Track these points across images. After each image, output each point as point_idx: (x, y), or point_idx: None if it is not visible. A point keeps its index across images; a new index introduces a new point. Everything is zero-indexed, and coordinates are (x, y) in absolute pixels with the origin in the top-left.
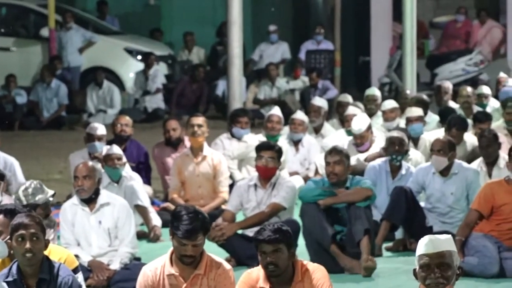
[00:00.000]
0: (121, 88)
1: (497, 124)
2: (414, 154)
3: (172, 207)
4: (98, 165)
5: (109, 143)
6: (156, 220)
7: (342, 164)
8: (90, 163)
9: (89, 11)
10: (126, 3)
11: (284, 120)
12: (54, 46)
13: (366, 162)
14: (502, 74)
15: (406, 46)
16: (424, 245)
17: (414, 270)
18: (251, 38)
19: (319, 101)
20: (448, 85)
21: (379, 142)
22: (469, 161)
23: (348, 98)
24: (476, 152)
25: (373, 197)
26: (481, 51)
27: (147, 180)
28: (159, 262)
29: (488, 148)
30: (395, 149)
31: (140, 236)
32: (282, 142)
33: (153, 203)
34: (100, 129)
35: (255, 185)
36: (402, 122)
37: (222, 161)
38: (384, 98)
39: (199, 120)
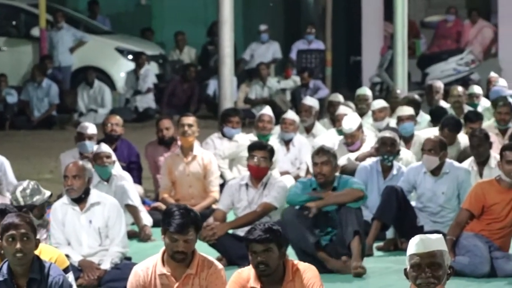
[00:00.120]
0: (112, 88)
1: (488, 124)
2: (405, 153)
3: (163, 206)
4: (89, 165)
5: (100, 142)
6: (147, 220)
7: (329, 165)
8: (80, 162)
9: (80, 10)
10: (117, 2)
11: (275, 119)
12: (45, 45)
13: (357, 161)
14: (492, 74)
15: (397, 46)
16: (415, 244)
17: (405, 269)
18: (242, 38)
19: (310, 101)
20: (439, 85)
21: (369, 141)
22: (460, 160)
23: (339, 97)
24: (467, 151)
25: (365, 198)
26: (472, 51)
27: (138, 180)
28: (150, 261)
29: (479, 148)
30: (387, 149)
31: (131, 235)
32: (273, 141)
33: (144, 202)
34: (91, 128)
35: (247, 185)
36: (392, 122)
37: (213, 161)
38: (375, 97)
39: (190, 119)
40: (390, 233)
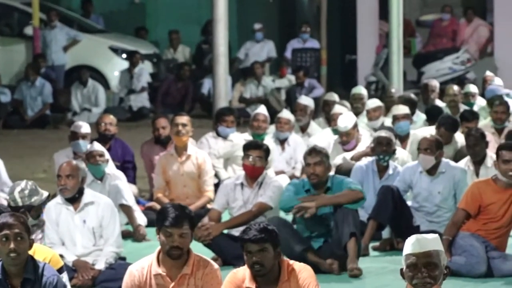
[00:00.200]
0: (106, 87)
1: (484, 123)
2: (401, 153)
3: (157, 206)
4: (82, 164)
5: (93, 141)
6: (141, 220)
7: (322, 165)
8: (74, 162)
9: (74, 9)
10: (111, 1)
11: (270, 118)
12: (38, 44)
13: (352, 161)
14: (488, 73)
15: (392, 45)
16: (411, 244)
17: (401, 269)
18: (236, 37)
19: (305, 100)
20: (435, 84)
21: (365, 141)
22: (457, 160)
23: (335, 96)
24: (463, 151)
25: (364, 200)
26: (468, 50)
27: (132, 179)
28: (145, 261)
29: (475, 147)
30: (383, 149)
31: (125, 235)
32: (268, 141)
33: (138, 202)
34: (84, 127)
35: (242, 184)
36: (387, 121)
37: (207, 160)
38: (370, 96)
39: (183, 119)
40: (386, 233)
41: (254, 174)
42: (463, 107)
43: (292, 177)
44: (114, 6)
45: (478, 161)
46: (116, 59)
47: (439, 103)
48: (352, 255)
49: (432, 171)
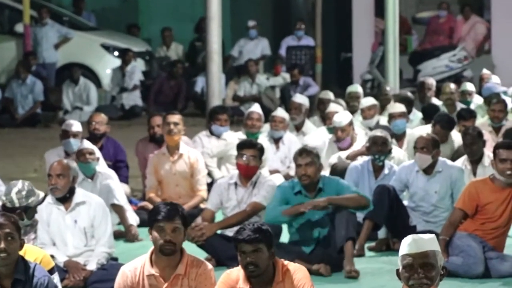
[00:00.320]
0: (98, 85)
1: (482, 122)
2: (397, 152)
3: (150, 206)
4: (73, 163)
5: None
6: (133, 219)
7: (313, 165)
8: (65, 161)
9: (65, 6)
10: None
11: (264, 117)
12: (29, 42)
13: (347, 160)
14: (485, 71)
15: (388, 42)
16: (407, 244)
17: (397, 270)
18: (230, 34)
19: (300, 98)
20: (431, 82)
21: (360, 140)
22: (454, 159)
23: (330, 95)
24: (461, 150)
25: (369, 208)
26: (465, 47)
27: (124, 179)
28: (138, 262)
29: (473, 146)
30: (378, 149)
31: (117, 235)
32: (263, 139)
33: (130, 202)
34: (76, 126)
35: (236, 184)
36: (382, 119)
37: (199, 159)
38: (366, 95)
39: (175, 118)
40: (382, 233)
41: (248, 174)
42: (460, 106)
43: (286, 176)
44: (106, 3)
45: (475, 160)
46: (108, 56)
47: (435, 101)
48: (350, 257)
49: (428, 170)
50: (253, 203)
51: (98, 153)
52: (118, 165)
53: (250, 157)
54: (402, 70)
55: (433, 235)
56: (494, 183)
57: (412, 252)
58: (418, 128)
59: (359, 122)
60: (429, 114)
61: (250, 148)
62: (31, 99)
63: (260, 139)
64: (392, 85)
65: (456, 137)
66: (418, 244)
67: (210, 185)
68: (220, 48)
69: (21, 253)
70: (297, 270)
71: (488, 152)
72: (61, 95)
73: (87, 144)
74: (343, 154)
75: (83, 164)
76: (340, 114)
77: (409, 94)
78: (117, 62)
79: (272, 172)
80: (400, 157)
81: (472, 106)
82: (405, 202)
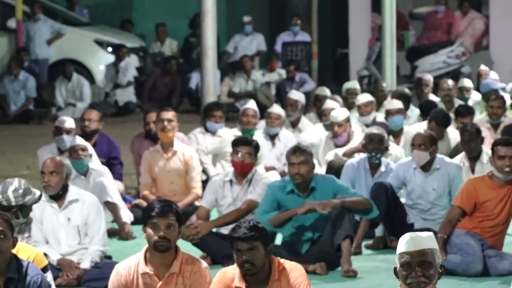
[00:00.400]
0: (91, 81)
1: (480, 118)
2: (394, 149)
3: (144, 204)
4: (67, 161)
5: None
6: (127, 217)
7: (307, 164)
8: (58, 158)
9: (58, 1)
10: None
11: (260, 113)
12: (22, 37)
13: (344, 157)
14: (483, 67)
15: (385, 38)
16: (405, 242)
17: (395, 268)
18: (225, 30)
19: (296, 95)
20: (429, 78)
21: (357, 136)
22: (452, 156)
23: (326, 91)
24: (459, 147)
25: (374, 214)
26: (463, 43)
27: (118, 176)
28: (132, 260)
29: (471, 143)
30: (375, 147)
31: (111, 233)
32: (258, 136)
33: (124, 199)
34: (69, 122)
35: (231, 181)
36: (379, 116)
37: (194, 156)
38: (363, 91)
39: (169, 114)
40: (379, 231)
41: (243, 171)
42: (457, 102)
43: (282, 173)
44: None
45: (474, 157)
46: (101, 52)
47: (433, 97)
48: (347, 256)
49: (426, 168)
50: (248, 200)
51: (91, 150)
52: (111, 162)
53: (245, 154)
54: (399, 66)
55: (431, 233)
56: (493, 181)
57: (410, 250)
58: (414, 125)
59: (355, 118)
60: (427, 110)
61: (246, 145)
62: (23, 95)
63: (256, 136)
64: (389, 82)
65: (452, 134)
66: (415, 242)
67: (205, 182)
68: (215, 44)
69: (14, 251)
70: (294, 269)
71: (486, 149)
72: (54, 92)
73: (80, 141)
74: (340, 151)
75: (76, 160)
76: (337, 110)
77: (407, 90)
78: (111, 58)
79: (268, 169)
80: (397, 154)
81: (470, 103)
82: (403, 200)
